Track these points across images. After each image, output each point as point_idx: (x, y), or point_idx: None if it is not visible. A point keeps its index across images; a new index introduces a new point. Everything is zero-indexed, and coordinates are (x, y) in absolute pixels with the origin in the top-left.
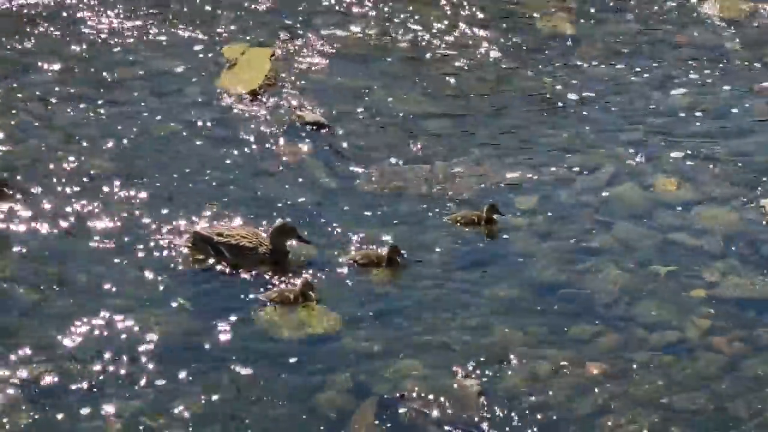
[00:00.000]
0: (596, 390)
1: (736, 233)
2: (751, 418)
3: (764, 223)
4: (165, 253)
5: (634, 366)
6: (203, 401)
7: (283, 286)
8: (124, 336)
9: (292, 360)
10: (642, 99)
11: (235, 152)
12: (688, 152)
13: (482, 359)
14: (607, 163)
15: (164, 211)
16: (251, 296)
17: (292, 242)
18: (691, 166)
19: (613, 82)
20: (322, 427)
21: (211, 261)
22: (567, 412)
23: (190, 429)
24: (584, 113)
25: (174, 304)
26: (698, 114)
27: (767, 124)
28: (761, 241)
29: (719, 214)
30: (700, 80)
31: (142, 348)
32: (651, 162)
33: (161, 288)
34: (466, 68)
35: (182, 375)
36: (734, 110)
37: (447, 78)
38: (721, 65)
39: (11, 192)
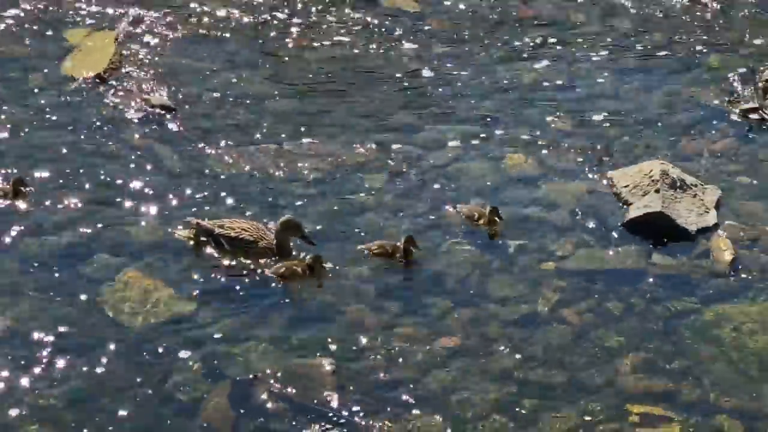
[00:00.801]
0: (449, 365)
1: (584, 206)
2: (602, 388)
3: (612, 194)
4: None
5: (487, 340)
6: (49, 391)
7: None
8: None
9: (142, 345)
10: (489, 74)
11: (81, 137)
12: (536, 126)
13: (335, 338)
14: (455, 140)
15: (6, 201)
16: (98, 279)
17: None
18: (539, 140)
19: (459, 58)
20: (173, 413)
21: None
22: (420, 388)
23: (35, 419)
24: (432, 90)
25: (19, 293)
26: (545, 88)
27: (613, 97)
28: (609, 213)
29: (568, 187)
30: (547, 54)
31: None
32: (499, 137)
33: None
34: (311, 48)
35: (26, 365)
36: (581, 83)
37: (292, 58)
38: (566, 38)
39: (28, 190)
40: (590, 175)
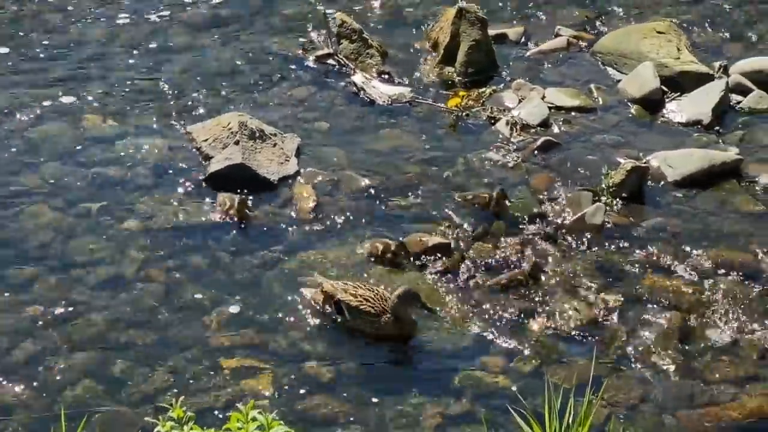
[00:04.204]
0: (35, 334)
1: (165, 162)
2: (193, 345)
3: (193, 149)
4: None
5: (73, 305)
6: None
7: None
8: None
9: None
10: (61, 33)
11: None
12: (112, 85)
13: None
14: (31, 103)
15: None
16: None
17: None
18: (115, 98)
19: (23, 17)
20: None
21: None
22: (6, 360)
23: None
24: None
25: None
26: (119, 45)
27: (189, 51)
28: (190, 168)
29: (148, 144)
30: (114, 11)
31: None
32: (75, 98)
33: None
34: None
35: None
36: (155, 39)
37: None
38: None
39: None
40: (170, 132)
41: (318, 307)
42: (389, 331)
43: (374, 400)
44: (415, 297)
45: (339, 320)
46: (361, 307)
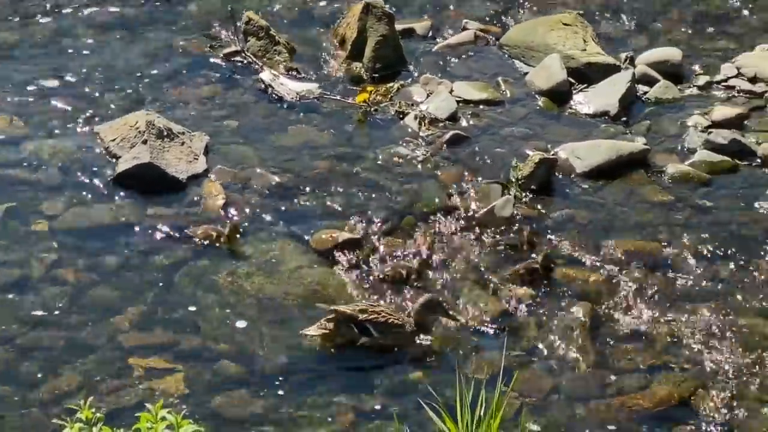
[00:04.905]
0: None
1: (73, 163)
2: (103, 346)
3: (101, 149)
4: None
5: None
6: None
7: None
8: None
9: None
10: None
11: None
12: (19, 85)
13: None
14: None
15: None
16: None
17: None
18: (22, 99)
19: None
20: None
21: None
22: None
23: None
24: None
25: None
26: (27, 46)
27: (96, 51)
28: (99, 169)
29: (55, 145)
30: (19, 12)
31: None
32: None
33: None
34: None
35: None
36: (59, 40)
37: None
38: None
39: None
40: (77, 132)
41: (330, 339)
42: (407, 339)
43: (287, 397)
44: (438, 305)
45: (364, 342)
46: (389, 321)
